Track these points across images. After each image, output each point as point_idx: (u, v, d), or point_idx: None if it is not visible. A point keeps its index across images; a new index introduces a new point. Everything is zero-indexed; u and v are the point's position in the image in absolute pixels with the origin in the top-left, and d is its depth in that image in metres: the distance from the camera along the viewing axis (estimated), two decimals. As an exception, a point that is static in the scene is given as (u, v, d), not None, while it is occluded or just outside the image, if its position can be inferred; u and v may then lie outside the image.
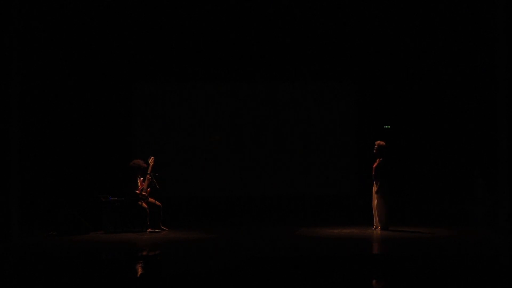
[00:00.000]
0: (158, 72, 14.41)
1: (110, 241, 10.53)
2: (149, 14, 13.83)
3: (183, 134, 14.54)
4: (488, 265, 8.20)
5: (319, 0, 13.88)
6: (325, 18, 14.06)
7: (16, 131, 10.76)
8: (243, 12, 13.88)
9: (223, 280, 7.17)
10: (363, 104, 14.57)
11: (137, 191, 11.59)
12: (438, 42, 13.93)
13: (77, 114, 13.84)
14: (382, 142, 11.70)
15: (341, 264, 8.22)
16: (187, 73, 14.47)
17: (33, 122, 12.59)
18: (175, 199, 13.97)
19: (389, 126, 14.38)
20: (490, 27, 12.08)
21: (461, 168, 13.75)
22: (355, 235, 11.00)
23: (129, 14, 13.80)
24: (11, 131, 10.61)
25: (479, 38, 13.00)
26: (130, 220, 11.68)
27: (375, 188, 11.59)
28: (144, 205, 11.52)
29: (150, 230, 11.42)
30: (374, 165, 11.63)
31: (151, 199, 11.67)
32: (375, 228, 11.57)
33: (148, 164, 11.79)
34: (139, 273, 7.98)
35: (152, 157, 11.90)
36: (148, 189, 11.71)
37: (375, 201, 11.56)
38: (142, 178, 11.75)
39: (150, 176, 11.71)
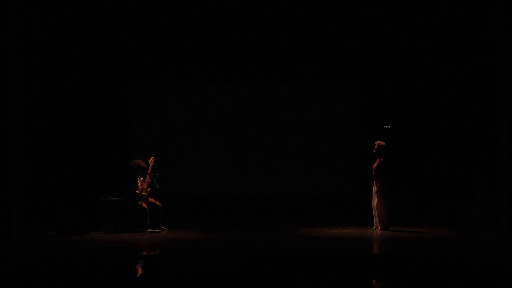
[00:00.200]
0: (158, 72, 14.40)
1: (110, 241, 10.54)
2: (149, 14, 13.83)
3: (183, 134, 14.52)
4: (488, 265, 8.20)
5: (319, 0, 13.88)
6: (325, 18, 14.05)
7: (16, 131, 10.76)
8: (243, 12, 13.87)
9: (223, 280, 7.17)
10: (363, 104, 14.55)
11: (137, 191, 11.59)
12: (438, 42, 13.91)
13: (77, 114, 13.82)
14: (382, 142, 11.71)
15: (341, 264, 8.22)
16: (187, 73, 14.46)
17: (33, 122, 12.59)
18: (175, 199, 13.98)
19: (389, 126, 14.36)
20: (490, 27, 12.07)
21: (461, 168, 13.73)
22: (355, 235, 11.00)
23: (129, 14, 13.79)
24: (11, 131, 10.61)
25: (479, 38, 12.98)
26: (130, 220, 11.70)
27: (375, 188, 11.60)
28: (144, 205, 11.53)
29: (150, 230, 11.43)
30: (374, 165, 11.64)
31: (151, 199, 11.68)
32: (375, 228, 11.58)
33: (148, 164, 11.80)
34: (139, 273, 7.98)
35: (152, 157, 11.91)
36: (148, 189, 11.72)
37: (375, 201, 11.57)
38: (142, 178, 11.76)
39: (150, 176, 11.71)
